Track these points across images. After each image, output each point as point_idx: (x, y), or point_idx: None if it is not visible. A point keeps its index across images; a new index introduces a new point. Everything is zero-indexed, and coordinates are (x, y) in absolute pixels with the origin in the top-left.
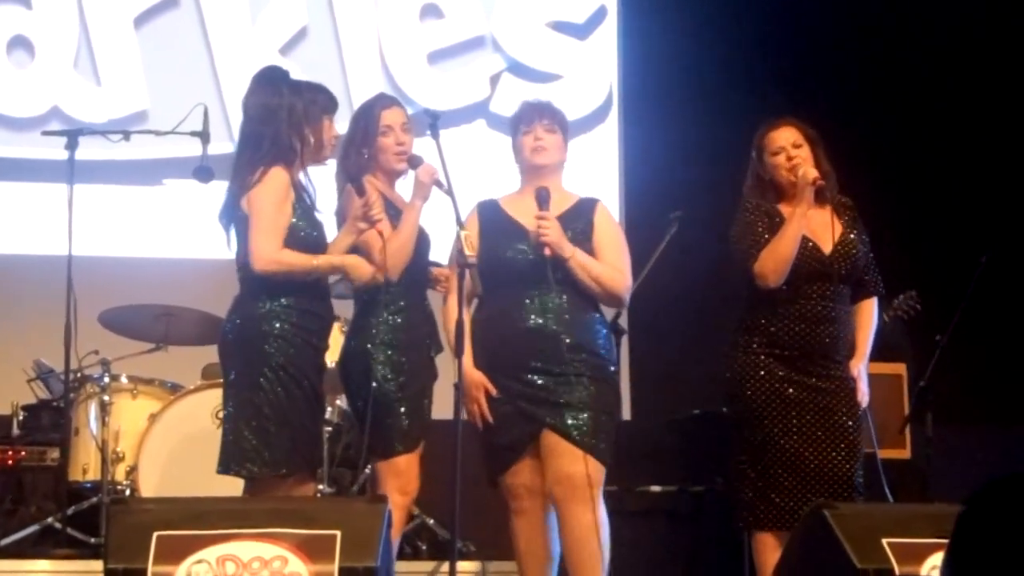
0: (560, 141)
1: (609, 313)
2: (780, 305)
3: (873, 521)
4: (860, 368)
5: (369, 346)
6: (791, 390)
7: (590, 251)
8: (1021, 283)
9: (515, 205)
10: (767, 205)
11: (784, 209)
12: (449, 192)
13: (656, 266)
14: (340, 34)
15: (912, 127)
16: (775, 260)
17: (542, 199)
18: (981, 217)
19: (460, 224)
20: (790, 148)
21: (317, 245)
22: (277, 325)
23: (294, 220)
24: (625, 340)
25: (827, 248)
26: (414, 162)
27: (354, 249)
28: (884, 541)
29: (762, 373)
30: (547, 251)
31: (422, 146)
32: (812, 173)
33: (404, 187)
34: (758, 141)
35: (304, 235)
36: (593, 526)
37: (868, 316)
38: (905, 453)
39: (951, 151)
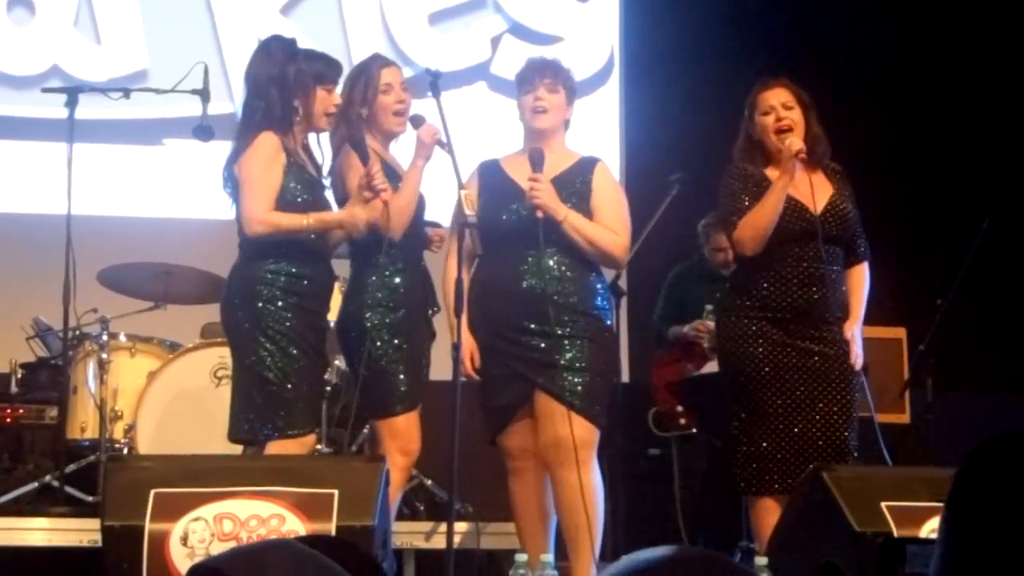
0: (562, 101)
1: (609, 274)
2: (770, 267)
3: (872, 484)
4: (854, 331)
5: (366, 308)
6: (782, 353)
7: (587, 211)
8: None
9: (515, 165)
10: (754, 170)
11: (771, 174)
12: (450, 151)
13: (656, 228)
14: None
15: (913, 88)
16: (753, 229)
17: (535, 160)
18: (982, 179)
19: (460, 184)
20: (780, 109)
21: (308, 209)
22: (266, 290)
23: (287, 183)
24: (625, 302)
25: (816, 209)
26: (416, 122)
27: None
28: (883, 504)
29: (753, 336)
30: (539, 213)
31: (422, 107)
32: (797, 144)
33: (396, 147)
34: (750, 100)
35: (297, 199)
36: (585, 488)
37: (861, 279)
38: (905, 417)
39: (952, 112)
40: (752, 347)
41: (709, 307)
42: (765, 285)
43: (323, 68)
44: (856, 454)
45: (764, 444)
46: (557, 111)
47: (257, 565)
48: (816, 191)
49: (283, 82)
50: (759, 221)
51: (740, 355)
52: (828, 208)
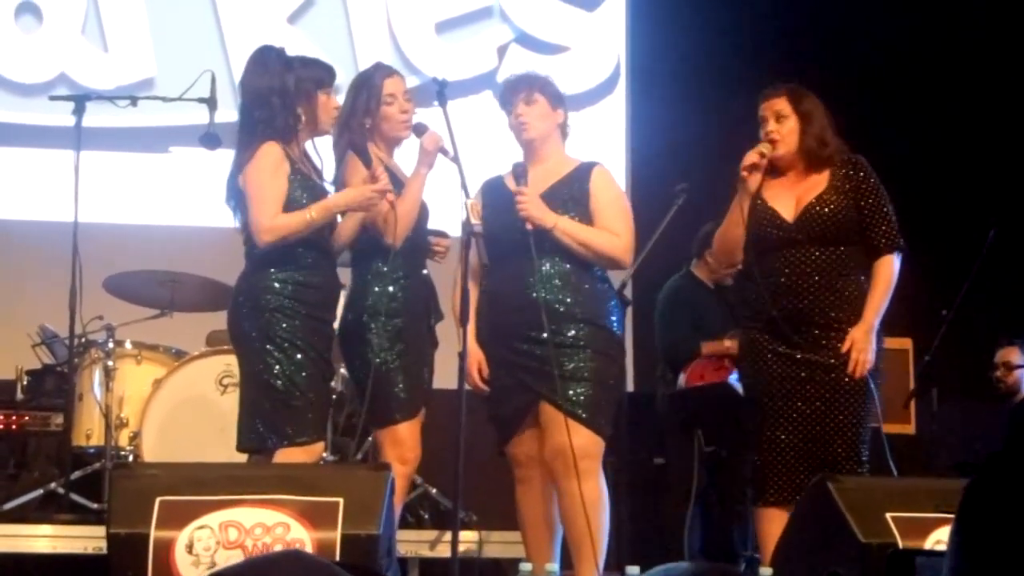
0: (545, 109)
1: (616, 283)
2: (758, 278)
3: (877, 495)
4: (856, 335)
5: (366, 316)
6: (779, 363)
7: (586, 216)
8: None
9: (513, 179)
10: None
11: (768, 183)
12: (455, 160)
13: (662, 238)
14: (348, 3)
15: (919, 97)
16: (720, 242)
17: (518, 174)
18: (988, 189)
19: (466, 193)
20: (771, 120)
21: None
22: (274, 299)
23: (291, 192)
24: (630, 311)
25: (791, 214)
26: (419, 130)
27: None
28: (888, 515)
29: (754, 347)
30: (528, 225)
31: (429, 116)
32: (746, 160)
33: (400, 155)
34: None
35: (300, 207)
36: (590, 498)
37: (878, 277)
38: (910, 428)
39: (958, 122)
40: (753, 357)
41: None
42: (756, 296)
43: (321, 73)
44: (860, 465)
45: (766, 454)
46: (540, 119)
47: (268, 573)
48: (804, 195)
49: (284, 92)
50: (721, 236)
51: (746, 366)
52: (803, 213)
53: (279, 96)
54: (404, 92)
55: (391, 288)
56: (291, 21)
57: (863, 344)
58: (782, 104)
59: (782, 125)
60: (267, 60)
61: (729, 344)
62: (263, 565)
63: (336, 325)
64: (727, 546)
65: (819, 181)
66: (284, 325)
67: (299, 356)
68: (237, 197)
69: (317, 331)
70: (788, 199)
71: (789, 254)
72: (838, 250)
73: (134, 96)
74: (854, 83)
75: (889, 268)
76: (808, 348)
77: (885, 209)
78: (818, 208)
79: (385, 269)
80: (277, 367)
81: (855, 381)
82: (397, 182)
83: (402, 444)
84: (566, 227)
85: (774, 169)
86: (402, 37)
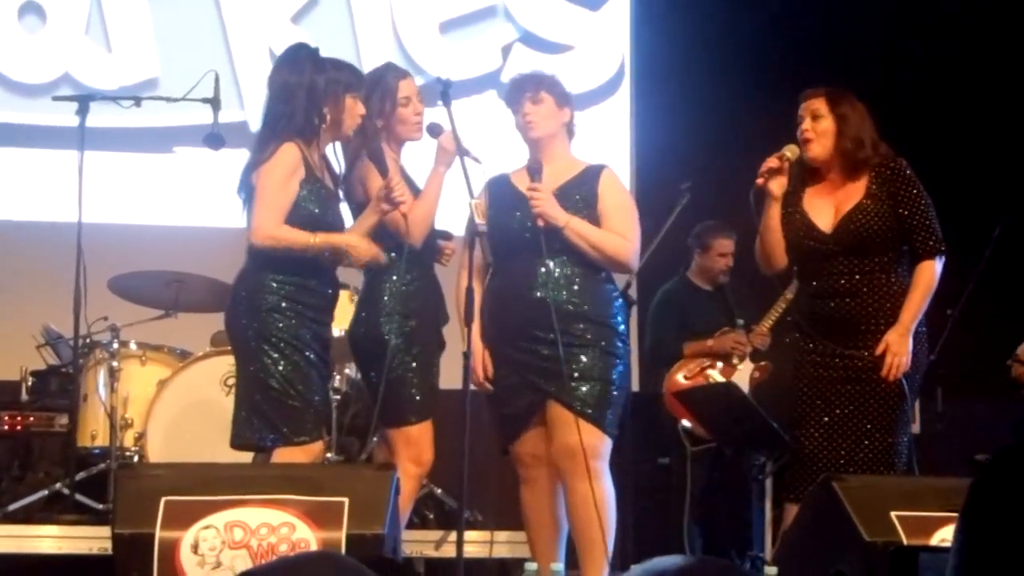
0: (551, 108)
1: (620, 284)
2: (802, 283)
3: (882, 494)
4: (893, 338)
5: (381, 317)
6: (813, 365)
7: (595, 218)
8: None
9: (521, 177)
10: (794, 187)
11: (808, 191)
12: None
13: (666, 237)
14: (352, 2)
15: (924, 100)
16: (758, 255)
17: (533, 171)
18: (993, 188)
19: (470, 192)
20: (808, 119)
21: (318, 223)
22: (272, 299)
23: (300, 196)
24: (635, 311)
25: (829, 224)
26: (434, 130)
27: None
28: (893, 514)
29: (795, 347)
30: (540, 222)
31: (432, 115)
32: (763, 166)
33: (407, 155)
34: None
35: (307, 212)
36: (598, 498)
37: (917, 281)
38: (915, 427)
39: (963, 122)
40: (795, 357)
41: (741, 321)
42: (800, 301)
43: (351, 78)
44: (889, 468)
45: (796, 451)
46: (547, 118)
47: (299, 573)
48: (843, 203)
49: (312, 89)
50: (758, 244)
51: (790, 365)
52: (840, 224)
53: (306, 92)
54: (417, 93)
55: (405, 289)
56: (295, 21)
57: (897, 347)
58: (819, 104)
59: (817, 124)
60: (299, 57)
61: (712, 344)
62: (296, 565)
63: (348, 326)
64: (727, 547)
65: (857, 188)
66: (281, 325)
67: (296, 356)
68: (248, 191)
69: (315, 332)
70: (827, 207)
71: (827, 263)
72: (876, 258)
73: (138, 96)
74: (857, 83)
75: (929, 273)
76: (844, 350)
77: (924, 214)
78: (855, 219)
79: (398, 269)
80: (274, 367)
81: (889, 384)
82: (411, 184)
83: (415, 445)
84: (577, 227)
85: (813, 174)
86: (406, 36)
